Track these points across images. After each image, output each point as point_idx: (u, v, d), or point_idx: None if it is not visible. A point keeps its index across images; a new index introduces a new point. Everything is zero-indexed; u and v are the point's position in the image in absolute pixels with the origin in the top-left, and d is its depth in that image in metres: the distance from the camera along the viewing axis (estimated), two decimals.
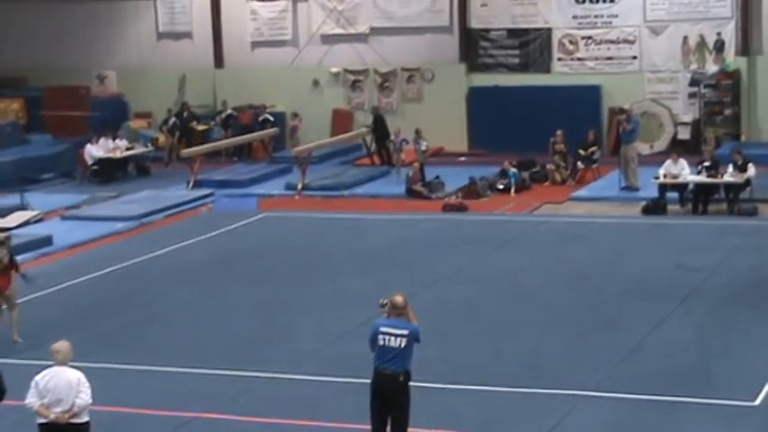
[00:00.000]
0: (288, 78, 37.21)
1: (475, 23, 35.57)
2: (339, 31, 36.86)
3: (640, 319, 17.73)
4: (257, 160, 35.59)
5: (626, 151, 28.78)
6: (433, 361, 15.33)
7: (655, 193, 26.76)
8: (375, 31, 36.57)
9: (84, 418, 11.78)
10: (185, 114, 36.84)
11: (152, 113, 38.41)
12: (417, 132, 32.31)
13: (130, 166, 34.47)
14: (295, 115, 36.61)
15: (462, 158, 34.63)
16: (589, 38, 34.50)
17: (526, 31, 35.05)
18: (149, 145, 35.68)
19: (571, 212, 27.17)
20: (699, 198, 26.31)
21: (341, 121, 36.81)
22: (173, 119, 36.45)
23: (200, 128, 36.99)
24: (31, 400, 11.74)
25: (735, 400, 14.19)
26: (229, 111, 36.90)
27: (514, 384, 15.07)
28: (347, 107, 37.07)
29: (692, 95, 33.59)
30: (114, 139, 33.90)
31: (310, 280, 21.10)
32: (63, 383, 11.66)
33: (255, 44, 37.92)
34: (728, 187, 26.24)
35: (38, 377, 11.79)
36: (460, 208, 27.76)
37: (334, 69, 37.02)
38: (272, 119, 36.15)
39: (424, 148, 31.88)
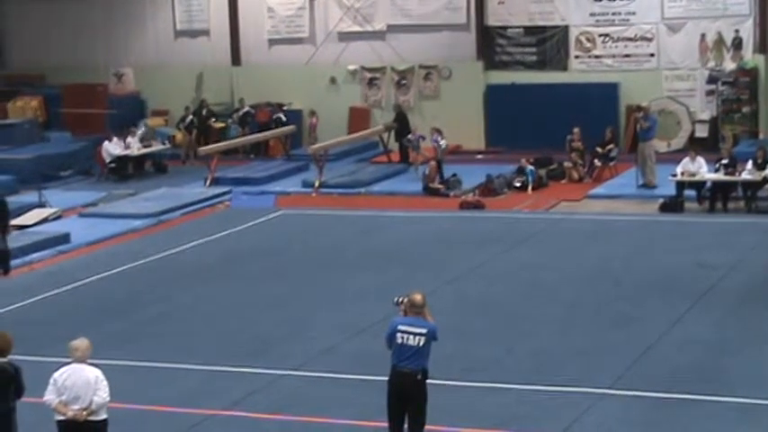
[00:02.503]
0: (305, 76, 37.25)
1: (492, 21, 35.55)
2: (356, 28, 36.88)
3: (657, 316, 17.71)
4: (274, 158, 35.64)
5: (643, 149, 28.73)
6: (450, 358, 15.34)
7: (672, 191, 26.72)
8: (392, 28, 36.57)
9: (103, 416, 11.80)
10: (204, 112, 36.91)
11: (169, 111, 38.49)
12: (437, 130, 32.06)
13: (148, 163, 34.56)
14: (312, 113, 36.61)
15: (479, 156, 34.62)
16: (606, 35, 34.46)
17: (543, 28, 35.03)
18: (167, 142, 35.77)
19: (588, 210, 27.13)
20: (716, 196, 26.28)
21: (358, 118, 36.84)
22: (190, 116, 36.55)
23: (218, 125, 37.09)
24: (50, 397, 11.77)
25: (752, 397, 14.16)
26: (246, 108, 36.98)
27: (532, 381, 15.07)
28: (364, 105, 37.09)
29: (709, 93, 33.54)
30: (125, 139, 33.81)
31: (327, 277, 21.13)
32: (81, 381, 11.69)
33: (272, 42, 37.96)
34: (746, 185, 26.19)
35: (56, 374, 11.82)
36: (477, 205, 27.76)
37: (351, 67, 37.04)
38: (284, 119, 36.15)
39: (443, 145, 31.69)
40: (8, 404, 11.95)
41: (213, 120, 37.08)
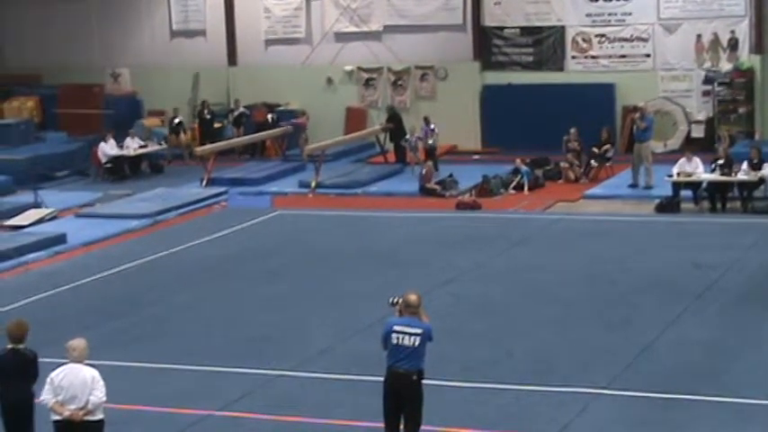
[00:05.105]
0: (301, 76, 37.26)
1: (488, 21, 35.57)
2: (353, 28, 36.90)
3: (654, 316, 17.72)
4: (270, 158, 35.62)
5: (640, 150, 28.74)
6: (446, 359, 15.32)
7: (669, 192, 26.73)
8: (389, 29, 36.59)
9: (99, 416, 11.79)
10: (206, 112, 36.87)
11: (165, 111, 38.45)
12: (426, 120, 32.19)
13: (144, 164, 34.55)
14: (303, 113, 36.52)
15: (476, 156, 34.63)
16: (603, 36, 34.47)
17: (540, 29, 35.05)
18: (163, 143, 35.76)
19: (585, 210, 27.15)
20: (713, 196, 26.30)
21: (354, 119, 36.84)
22: (178, 118, 36.48)
23: (215, 126, 37.09)
24: (46, 396, 11.77)
25: (748, 398, 14.16)
26: (241, 109, 36.96)
27: (528, 382, 15.07)
28: (361, 105, 37.11)
29: (705, 93, 33.58)
30: (124, 141, 33.84)
31: (323, 278, 21.12)
32: (78, 381, 11.69)
33: (269, 42, 37.97)
34: (742, 185, 26.21)
35: (53, 374, 11.81)
36: (474, 206, 27.76)
37: (347, 67, 37.06)
38: (271, 119, 36.08)
39: (433, 138, 31.86)
40: (30, 388, 12.07)
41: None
